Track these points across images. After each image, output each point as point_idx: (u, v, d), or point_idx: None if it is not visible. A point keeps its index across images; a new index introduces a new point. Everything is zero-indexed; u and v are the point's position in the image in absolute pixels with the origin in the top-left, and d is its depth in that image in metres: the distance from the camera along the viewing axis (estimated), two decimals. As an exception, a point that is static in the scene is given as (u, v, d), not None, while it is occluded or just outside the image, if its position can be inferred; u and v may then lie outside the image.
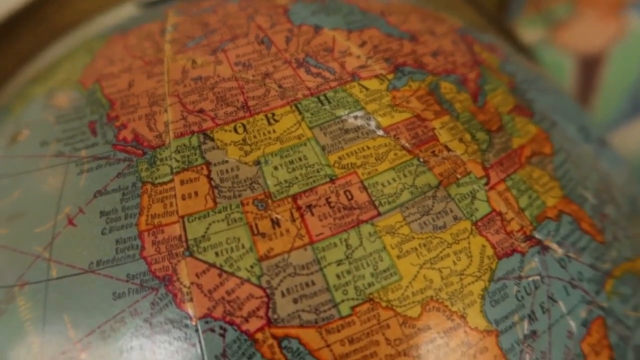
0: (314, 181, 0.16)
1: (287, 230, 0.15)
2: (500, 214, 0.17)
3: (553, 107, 0.21)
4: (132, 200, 0.16)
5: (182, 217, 0.16)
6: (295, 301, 0.15)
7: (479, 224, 0.16)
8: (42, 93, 0.21)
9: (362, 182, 0.16)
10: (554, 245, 0.17)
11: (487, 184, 0.17)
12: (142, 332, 0.15)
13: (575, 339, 0.16)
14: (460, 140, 0.18)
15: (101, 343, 0.15)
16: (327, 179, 0.16)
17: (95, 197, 0.17)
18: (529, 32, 0.46)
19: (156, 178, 0.16)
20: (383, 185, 0.16)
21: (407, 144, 0.17)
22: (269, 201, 0.16)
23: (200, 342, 0.14)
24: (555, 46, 0.45)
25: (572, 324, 0.16)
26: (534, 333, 0.16)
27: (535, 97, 0.21)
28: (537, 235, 0.17)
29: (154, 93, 0.18)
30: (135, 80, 0.19)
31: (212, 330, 0.14)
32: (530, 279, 0.16)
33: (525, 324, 0.16)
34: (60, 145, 0.18)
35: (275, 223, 0.15)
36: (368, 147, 0.17)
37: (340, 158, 0.16)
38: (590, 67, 0.46)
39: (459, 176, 0.17)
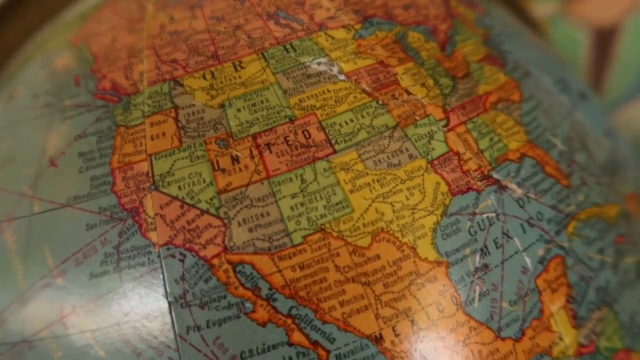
0: (274, 122, 0.17)
1: (246, 167, 0.16)
2: (457, 154, 0.17)
3: (529, 59, 0.21)
4: (107, 142, 0.17)
5: (151, 155, 0.17)
6: (250, 230, 0.16)
7: (435, 162, 0.17)
8: (39, 56, 0.23)
9: (320, 122, 0.17)
10: (513, 186, 0.17)
11: (446, 126, 0.18)
12: (111, 259, 0.16)
13: (530, 275, 0.17)
14: (423, 85, 0.18)
15: (75, 269, 0.16)
16: (287, 120, 0.17)
17: (75, 141, 0.18)
18: (543, 6, 0.45)
19: (129, 121, 0.17)
20: (341, 125, 0.17)
21: (367, 88, 0.18)
22: (231, 140, 0.17)
23: (162, 267, 0.15)
24: (570, 20, 0.44)
25: (528, 261, 0.17)
26: (485, 266, 0.16)
27: (511, 49, 0.21)
28: (496, 176, 0.17)
29: (133, 47, 0.19)
30: (118, 37, 0.20)
31: (173, 257, 0.15)
32: (485, 215, 0.17)
33: (477, 257, 0.16)
34: (49, 97, 0.20)
35: (235, 160, 0.16)
36: (329, 91, 0.17)
37: (300, 101, 0.17)
38: (604, 41, 0.45)
39: (417, 118, 0.17)
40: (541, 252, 0.17)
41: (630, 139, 0.43)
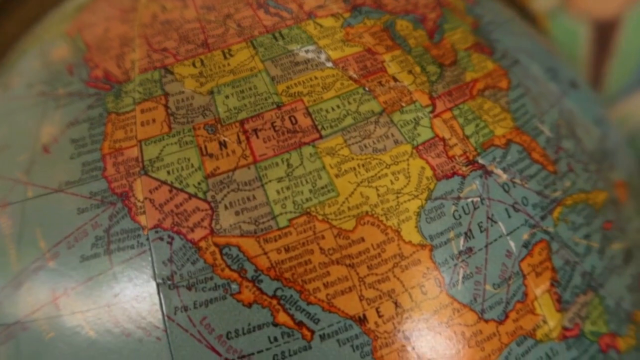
0: (262, 108, 0.17)
1: (233, 151, 0.17)
2: (443, 139, 0.17)
3: (519, 48, 0.22)
4: (98, 128, 0.18)
5: (140, 141, 0.17)
6: (237, 213, 0.16)
7: (420, 147, 0.17)
8: (35, 47, 0.23)
9: (307, 108, 0.17)
10: (498, 171, 0.18)
11: (432, 112, 0.18)
12: (101, 241, 0.16)
13: (514, 258, 0.17)
14: (410, 72, 0.18)
15: (66, 252, 0.16)
16: (274, 106, 0.17)
17: (67, 128, 0.18)
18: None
19: (120, 108, 0.18)
20: (327, 111, 0.17)
21: (354, 75, 0.18)
22: (219, 126, 0.17)
23: (150, 249, 0.16)
24: (570, 12, 0.44)
25: (512, 244, 0.17)
26: (469, 249, 0.16)
27: (501, 37, 0.21)
28: (481, 161, 0.18)
29: (125, 36, 0.20)
30: (110, 26, 0.20)
31: (161, 239, 0.16)
32: (469, 199, 0.17)
33: (461, 240, 0.16)
34: (43, 86, 0.20)
35: (223, 145, 0.17)
36: (316, 78, 0.18)
37: (288, 87, 0.17)
38: (604, 33, 0.45)
39: (403, 104, 0.18)
40: (525, 236, 0.17)
41: (631, 132, 0.43)
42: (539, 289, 0.17)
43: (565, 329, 0.17)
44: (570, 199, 0.19)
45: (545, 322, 0.17)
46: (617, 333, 0.19)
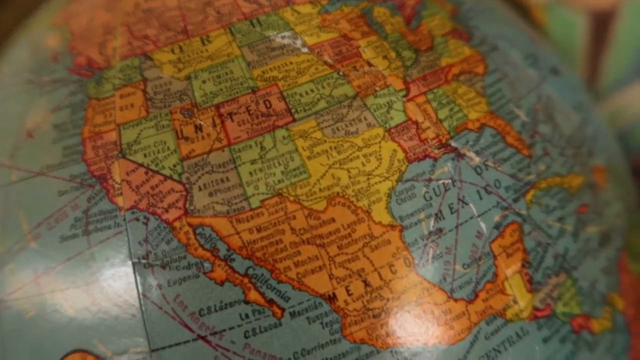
0: (237, 92, 0.17)
1: (208, 134, 0.17)
2: (416, 122, 0.18)
3: (498, 34, 0.22)
4: (79, 113, 0.18)
5: (119, 125, 0.18)
6: (210, 195, 0.16)
7: (392, 130, 0.17)
8: (24, 37, 0.24)
9: (281, 92, 0.18)
10: (471, 154, 0.18)
11: (405, 96, 0.18)
12: (80, 222, 0.17)
13: (484, 239, 0.17)
14: (385, 57, 0.19)
15: (47, 233, 0.17)
16: (249, 90, 0.18)
17: (50, 113, 0.19)
18: (540, -10, 0.45)
19: (100, 94, 0.18)
20: (301, 95, 0.18)
21: (329, 60, 0.18)
22: (195, 110, 0.17)
23: (126, 229, 0.16)
24: (567, 4, 0.44)
25: (483, 226, 0.17)
26: (439, 230, 0.17)
27: (480, 24, 0.22)
28: (453, 144, 0.18)
29: (108, 24, 0.20)
30: (95, 15, 0.21)
31: (137, 220, 0.16)
32: (440, 181, 0.17)
33: (432, 221, 0.17)
34: (29, 74, 0.21)
35: (198, 128, 0.17)
36: (291, 63, 0.18)
37: (263, 72, 0.18)
38: (601, 25, 0.44)
39: (377, 88, 0.18)
40: (497, 218, 0.18)
41: (628, 123, 0.43)
42: (510, 269, 0.17)
43: (536, 309, 0.18)
44: (544, 182, 0.19)
45: (515, 302, 0.17)
46: (591, 315, 0.19)
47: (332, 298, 0.16)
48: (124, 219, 0.17)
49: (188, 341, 0.16)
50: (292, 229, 0.16)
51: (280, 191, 0.16)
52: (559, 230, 0.19)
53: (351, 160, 0.17)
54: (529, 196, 0.19)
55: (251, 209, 0.16)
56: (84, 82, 0.19)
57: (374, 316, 0.16)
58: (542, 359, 0.18)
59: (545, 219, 0.19)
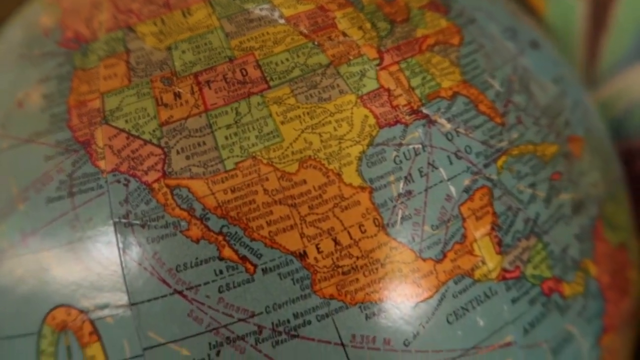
0: (215, 61, 0.18)
1: (187, 101, 0.18)
2: (388, 90, 0.18)
3: (477, 7, 0.22)
4: (66, 83, 0.19)
5: (102, 93, 0.18)
6: (187, 158, 0.17)
7: (365, 97, 0.18)
8: (19, 16, 0.25)
9: (257, 61, 0.18)
10: (442, 120, 0.19)
11: (379, 64, 0.19)
12: (65, 185, 0.18)
13: (453, 202, 0.18)
14: (360, 28, 0.19)
15: (34, 196, 0.18)
16: (227, 59, 0.18)
17: (39, 84, 0.20)
18: (540, -26, 0.45)
19: (86, 65, 0.19)
20: (276, 64, 0.18)
21: (305, 30, 0.19)
22: (174, 78, 0.18)
23: (108, 191, 0.17)
24: (567, -14, 0.44)
25: (452, 189, 0.18)
26: (409, 192, 0.17)
27: (459, -2, 0.22)
28: (425, 111, 0.18)
29: (96, 1, 0.21)
30: (84, -8, 0.22)
31: (118, 182, 0.17)
32: (411, 146, 0.18)
33: (401, 184, 0.17)
34: (22, 49, 0.22)
35: (177, 95, 0.18)
36: (268, 33, 0.19)
37: (241, 42, 0.19)
38: (600, 7, 0.45)
39: (351, 57, 0.19)
40: (467, 182, 0.18)
41: (626, 106, 0.43)
42: (479, 232, 0.18)
43: (505, 270, 0.18)
44: (516, 149, 0.20)
45: (484, 263, 0.18)
46: (562, 278, 0.20)
47: (302, 255, 0.17)
48: (106, 181, 0.17)
49: (165, 295, 0.17)
50: (264, 189, 0.17)
51: (254, 154, 0.17)
52: (530, 196, 0.19)
53: (323, 125, 0.18)
54: (500, 162, 0.19)
55: (226, 171, 0.17)
56: (71, 54, 0.20)
57: (343, 273, 0.17)
58: (511, 318, 0.18)
59: (517, 184, 0.19)
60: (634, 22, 0.44)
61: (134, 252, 0.17)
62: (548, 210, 0.20)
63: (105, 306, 0.17)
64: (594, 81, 0.41)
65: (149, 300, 0.17)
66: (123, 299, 0.17)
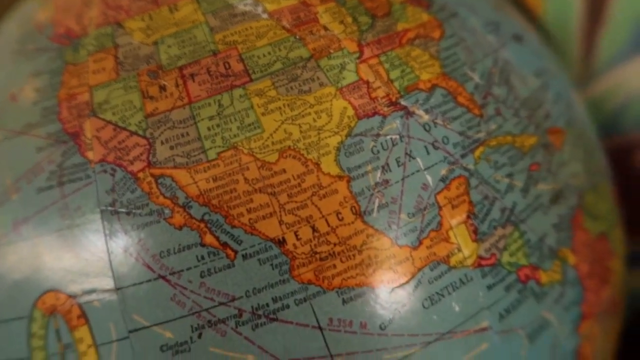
0: (199, 55, 0.19)
1: (171, 94, 0.18)
2: (367, 82, 0.19)
3: (459, 2, 0.23)
4: (57, 77, 0.20)
5: (91, 87, 0.19)
6: (171, 148, 0.18)
7: (344, 89, 0.19)
8: (15, 13, 0.26)
9: (240, 55, 0.19)
10: (420, 112, 0.19)
11: (359, 57, 0.19)
12: (54, 175, 0.18)
13: (430, 191, 0.18)
14: (341, 22, 0.20)
15: (26, 186, 0.19)
16: (211, 53, 0.19)
17: (32, 78, 0.20)
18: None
19: (76, 59, 0.20)
20: (258, 57, 0.19)
21: (287, 25, 0.20)
22: (160, 72, 0.19)
23: (96, 180, 0.18)
24: (564, -19, 0.45)
25: (429, 178, 0.18)
26: (386, 181, 0.18)
27: (442, -7, 0.23)
28: (403, 102, 0.19)
29: (87, -3, 0.22)
30: (76, -11, 0.23)
31: (105, 171, 0.18)
32: (388, 137, 0.18)
33: (378, 173, 0.18)
34: (17, 45, 0.22)
35: (162, 88, 0.19)
36: (251, 28, 0.19)
37: (224, 36, 0.19)
38: (597, 2, 0.45)
39: (331, 51, 0.19)
40: (443, 172, 0.19)
41: (622, 101, 0.43)
42: (455, 220, 0.19)
43: (481, 258, 0.19)
44: (494, 140, 0.20)
45: (459, 250, 0.19)
46: (539, 266, 0.20)
47: (281, 242, 0.17)
48: (94, 171, 0.18)
49: (150, 280, 0.17)
50: (245, 178, 0.18)
51: (235, 144, 0.18)
52: (507, 185, 0.20)
53: (303, 116, 0.18)
54: (477, 152, 0.20)
55: (208, 161, 0.18)
56: (62, 50, 0.21)
57: (321, 259, 0.17)
58: (487, 304, 0.19)
59: (494, 174, 0.20)
60: (630, 17, 0.44)
61: (120, 238, 0.18)
62: (525, 199, 0.20)
63: (92, 291, 0.18)
64: (590, 75, 0.42)
65: (134, 285, 0.17)
66: (109, 283, 0.18)
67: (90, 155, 0.19)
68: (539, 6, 0.43)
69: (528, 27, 0.26)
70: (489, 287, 0.19)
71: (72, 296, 0.18)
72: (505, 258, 0.19)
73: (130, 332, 0.17)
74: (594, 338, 0.22)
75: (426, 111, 0.19)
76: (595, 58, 0.44)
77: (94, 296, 0.18)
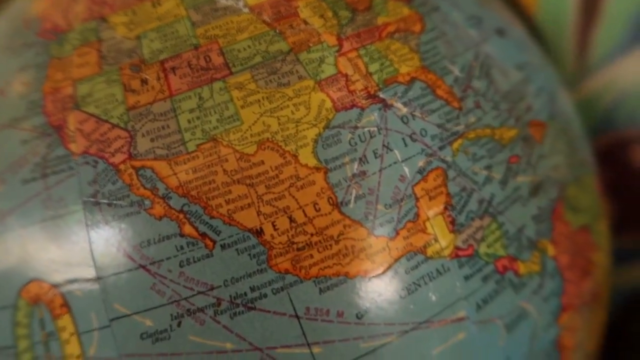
0: (181, 49, 0.19)
1: (153, 87, 0.19)
2: (346, 75, 0.19)
3: (442, -4, 0.23)
4: (43, 72, 0.20)
5: (75, 80, 0.20)
6: (152, 140, 0.18)
7: (322, 82, 0.19)
8: (6, 11, 0.26)
9: (221, 48, 0.19)
10: (399, 105, 0.19)
11: (338, 51, 0.20)
12: (38, 167, 0.19)
13: (407, 182, 0.19)
14: (321, 16, 0.20)
15: (12, 178, 0.19)
16: (192, 47, 0.19)
17: (19, 73, 0.21)
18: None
19: (61, 54, 0.20)
20: (239, 51, 0.19)
21: (267, 19, 0.20)
22: (142, 65, 0.19)
23: (78, 172, 0.18)
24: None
25: (406, 170, 0.19)
26: (363, 173, 0.18)
27: (424, -13, 0.23)
28: (382, 95, 0.19)
29: (73, -7, 0.22)
30: (63, -15, 0.23)
31: (87, 163, 0.18)
32: (366, 129, 0.19)
33: (356, 165, 0.18)
34: (6, 41, 0.23)
35: (144, 82, 0.19)
36: (232, 22, 0.20)
37: (206, 31, 0.20)
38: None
39: (311, 45, 0.20)
40: (421, 164, 0.19)
41: (616, 97, 0.43)
42: (432, 211, 0.19)
43: (458, 248, 0.19)
44: (473, 132, 0.20)
45: (436, 240, 0.19)
46: (517, 257, 0.20)
47: (259, 232, 0.18)
48: (76, 163, 0.19)
49: (130, 270, 0.18)
50: (224, 170, 0.18)
51: (214, 137, 0.18)
52: (485, 177, 0.20)
53: (281, 109, 0.19)
54: (455, 145, 0.20)
55: (188, 153, 0.18)
56: (48, 44, 0.21)
57: (298, 249, 0.18)
58: (464, 294, 0.19)
59: (472, 166, 0.20)
60: (624, 13, 0.44)
61: (101, 229, 0.18)
62: (504, 191, 0.20)
63: (74, 280, 0.18)
64: (585, 72, 0.42)
65: (115, 275, 0.18)
66: (91, 273, 0.18)
67: (73, 147, 0.19)
68: (534, 3, 0.43)
69: (514, 22, 0.27)
70: (466, 278, 0.19)
71: (55, 286, 0.18)
72: (483, 249, 0.20)
73: (111, 320, 0.18)
74: (575, 329, 0.23)
75: (404, 104, 0.20)
76: (589, 54, 0.44)
77: (76, 286, 0.18)
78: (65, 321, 0.18)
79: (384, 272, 0.18)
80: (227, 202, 0.18)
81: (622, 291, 0.39)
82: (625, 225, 0.38)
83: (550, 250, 0.22)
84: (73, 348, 0.18)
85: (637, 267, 0.39)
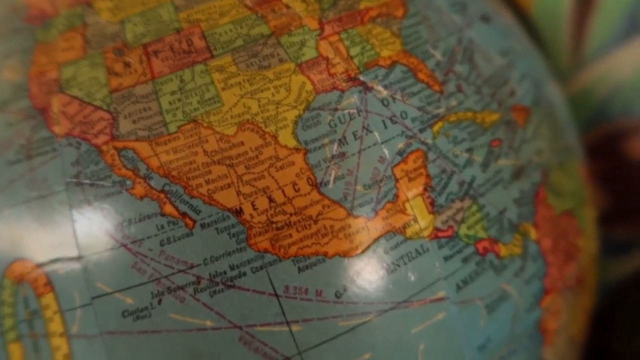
0: (163, 33, 0.20)
1: (135, 70, 0.19)
2: (326, 58, 0.19)
3: (426, -17, 0.23)
4: (29, 57, 0.21)
5: (60, 64, 0.20)
6: (134, 122, 0.19)
7: (303, 65, 0.19)
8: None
9: (202, 32, 0.20)
10: (379, 87, 0.20)
11: (319, 35, 0.20)
12: (23, 148, 0.19)
13: (386, 164, 0.19)
14: (303, 0, 0.20)
15: (-3, 160, 0.20)
16: (174, 31, 0.20)
17: (6, 58, 0.21)
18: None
19: (47, 39, 0.21)
20: (220, 35, 0.20)
21: (249, 3, 0.20)
22: (125, 49, 0.20)
23: (61, 153, 0.19)
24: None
25: (386, 151, 0.19)
26: (342, 154, 0.19)
27: (409, -26, 0.23)
28: (362, 78, 0.20)
29: (60, -21, 0.23)
30: (51, -28, 0.23)
31: (71, 145, 0.19)
32: (346, 111, 0.19)
33: (335, 146, 0.19)
34: (-5, 28, 0.23)
35: (127, 65, 0.19)
36: (214, 6, 0.20)
37: (188, 15, 0.20)
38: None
39: (292, 28, 0.20)
40: (401, 145, 0.19)
41: (611, 88, 0.43)
42: (411, 192, 0.19)
43: (437, 229, 0.19)
44: (454, 116, 0.21)
45: (416, 221, 0.19)
46: (498, 239, 0.20)
47: (238, 212, 0.18)
48: (60, 145, 0.19)
49: (112, 249, 0.18)
50: (204, 151, 0.18)
51: (195, 118, 0.19)
52: (466, 160, 0.20)
53: (262, 91, 0.19)
54: (436, 127, 0.20)
55: (169, 134, 0.18)
56: (34, 30, 0.21)
57: (277, 229, 0.18)
58: (443, 275, 0.19)
59: (452, 148, 0.20)
60: (619, 5, 0.44)
61: (84, 209, 0.18)
62: (485, 174, 0.21)
63: (57, 260, 0.18)
64: (580, 64, 0.42)
65: (97, 253, 0.18)
66: (73, 252, 0.18)
67: (56, 129, 0.19)
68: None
69: (502, 11, 0.27)
70: (446, 259, 0.19)
71: (38, 265, 0.19)
72: (463, 230, 0.20)
73: (93, 298, 0.18)
74: (558, 313, 0.23)
75: (385, 87, 0.20)
76: (585, 46, 0.44)
77: (59, 265, 0.18)
78: (48, 299, 0.18)
79: (362, 252, 0.19)
80: (207, 182, 0.18)
81: (614, 282, 0.39)
82: (619, 215, 0.38)
83: (533, 233, 0.22)
84: (56, 326, 0.18)
85: (631, 258, 0.39)
